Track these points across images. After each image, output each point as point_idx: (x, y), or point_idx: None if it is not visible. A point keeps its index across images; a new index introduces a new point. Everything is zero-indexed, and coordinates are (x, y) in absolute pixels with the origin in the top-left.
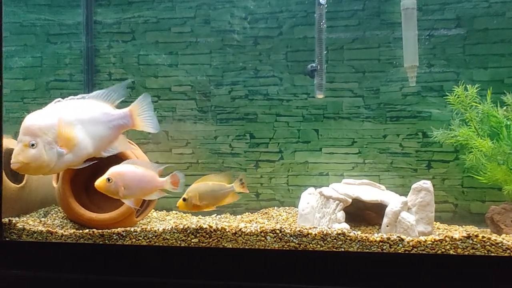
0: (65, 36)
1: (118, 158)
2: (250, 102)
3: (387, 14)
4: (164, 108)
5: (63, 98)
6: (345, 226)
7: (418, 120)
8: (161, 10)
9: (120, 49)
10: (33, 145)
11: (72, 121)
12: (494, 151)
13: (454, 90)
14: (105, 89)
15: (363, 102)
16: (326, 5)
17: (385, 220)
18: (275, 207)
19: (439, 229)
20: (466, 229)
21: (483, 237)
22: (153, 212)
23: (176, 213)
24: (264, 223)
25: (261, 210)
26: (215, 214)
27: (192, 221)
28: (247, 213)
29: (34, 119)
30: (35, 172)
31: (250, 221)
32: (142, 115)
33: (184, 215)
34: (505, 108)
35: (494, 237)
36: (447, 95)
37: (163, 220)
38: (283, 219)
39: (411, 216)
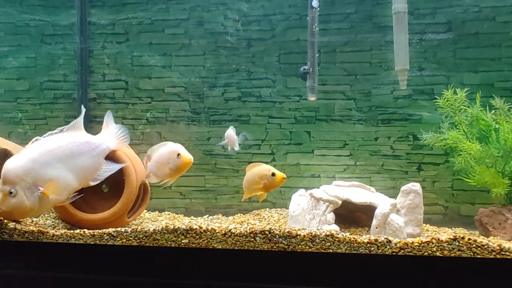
0: (59, 37)
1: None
2: (243, 103)
3: (379, 17)
4: (158, 109)
5: (40, 136)
6: (334, 228)
7: (409, 123)
8: (155, 12)
9: (114, 50)
10: (11, 193)
11: (50, 161)
12: (482, 154)
13: (444, 94)
14: (79, 118)
15: (355, 104)
16: (318, 8)
17: (374, 222)
18: (267, 209)
19: (428, 231)
20: (455, 231)
21: (469, 239)
22: (146, 212)
23: (169, 214)
24: (255, 224)
25: (253, 212)
26: (207, 215)
27: (184, 221)
28: (239, 214)
29: (11, 166)
30: (20, 217)
31: (242, 222)
32: (117, 133)
33: (177, 215)
34: (493, 111)
35: (480, 239)
36: (438, 98)
37: (155, 221)
38: (275, 221)
39: (400, 218)
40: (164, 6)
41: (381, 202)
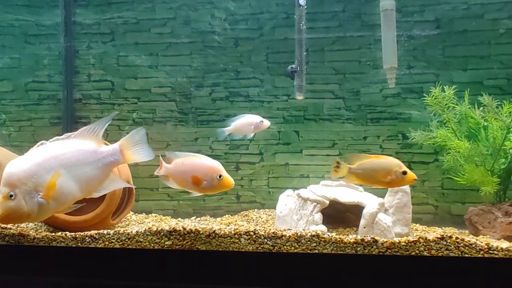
0: (43, 37)
1: None
2: (230, 103)
3: (368, 15)
4: (144, 110)
5: (47, 140)
6: (322, 228)
7: (398, 121)
8: (141, 11)
9: (99, 50)
10: (11, 196)
11: (54, 167)
12: (471, 152)
13: (432, 92)
14: (90, 125)
15: (343, 103)
16: (305, 7)
17: (362, 222)
18: (256, 209)
19: (417, 230)
20: (445, 230)
21: (456, 238)
22: (132, 215)
23: (156, 216)
24: (243, 225)
25: (241, 213)
26: (195, 217)
27: (171, 223)
28: (227, 216)
29: (13, 168)
30: (17, 222)
31: (229, 223)
32: (134, 148)
33: (164, 217)
34: (481, 108)
35: (468, 238)
36: (426, 97)
37: (142, 223)
38: (263, 222)
39: (388, 217)
40: (150, 5)
41: (369, 202)
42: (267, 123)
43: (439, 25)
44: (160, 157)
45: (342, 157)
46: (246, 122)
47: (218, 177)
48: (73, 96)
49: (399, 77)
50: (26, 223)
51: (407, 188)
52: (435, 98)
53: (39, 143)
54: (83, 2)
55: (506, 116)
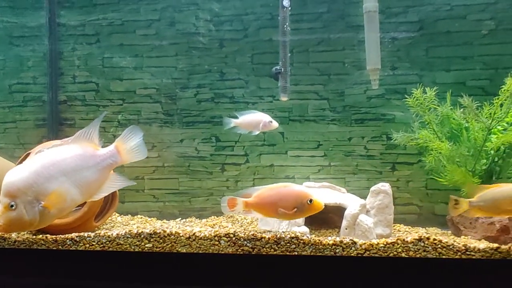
0: (28, 39)
1: None
2: (215, 105)
3: (352, 17)
4: (129, 111)
5: (44, 141)
6: (304, 229)
7: (382, 122)
8: (126, 12)
9: (84, 51)
10: (12, 206)
11: (54, 174)
12: (452, 153)
13: (413, 93)
14: (85, 128)
15: (328, 104)
16: (290, 8)
17: (344, 223)
18: None
19: (400, 231)
20: (428, 231)
21: (434, 239)
22: (118, 216)
23: (141, 217)
24: (227, 227)
25: (226, 214)
26: (180, 218)
27: (156, 225)
28: (212, 217)
29: (12, 178)
30: (19, 231)
31: (214, 225)
32: (130, 148)
33: (149, 219)
34: (462, 110)
35: (446, 239)
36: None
37: (127, 225)
38: (248, 223)
39: (369, 218)
40: (135, 6)
41: (351, 203)
42: (275, 124)
43: (423, 26)
44: (229, 197)
45: (459, 194)
46: (256, 119)
47: (308, 201)
48: (58, 97)
49: (383, 78)
50: None
51: (388, 189)
52: (417, 100)
53: (37, 151)
54: (67, 4)
55: (486, 117)
